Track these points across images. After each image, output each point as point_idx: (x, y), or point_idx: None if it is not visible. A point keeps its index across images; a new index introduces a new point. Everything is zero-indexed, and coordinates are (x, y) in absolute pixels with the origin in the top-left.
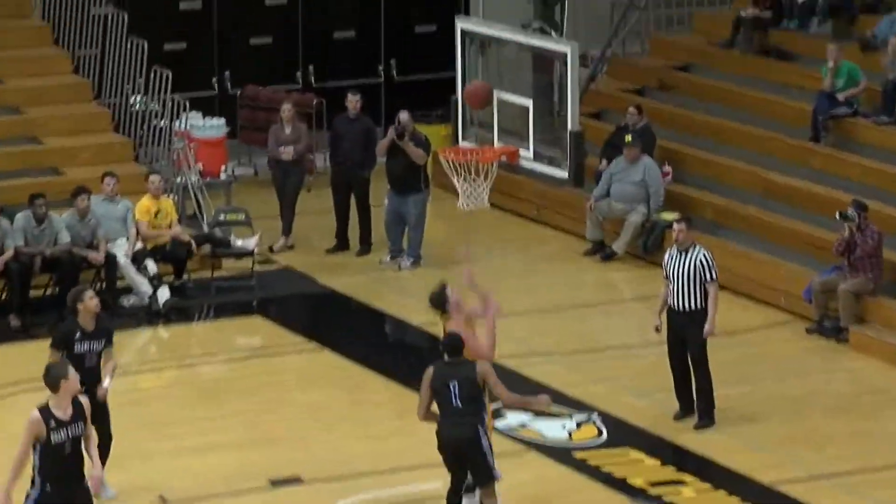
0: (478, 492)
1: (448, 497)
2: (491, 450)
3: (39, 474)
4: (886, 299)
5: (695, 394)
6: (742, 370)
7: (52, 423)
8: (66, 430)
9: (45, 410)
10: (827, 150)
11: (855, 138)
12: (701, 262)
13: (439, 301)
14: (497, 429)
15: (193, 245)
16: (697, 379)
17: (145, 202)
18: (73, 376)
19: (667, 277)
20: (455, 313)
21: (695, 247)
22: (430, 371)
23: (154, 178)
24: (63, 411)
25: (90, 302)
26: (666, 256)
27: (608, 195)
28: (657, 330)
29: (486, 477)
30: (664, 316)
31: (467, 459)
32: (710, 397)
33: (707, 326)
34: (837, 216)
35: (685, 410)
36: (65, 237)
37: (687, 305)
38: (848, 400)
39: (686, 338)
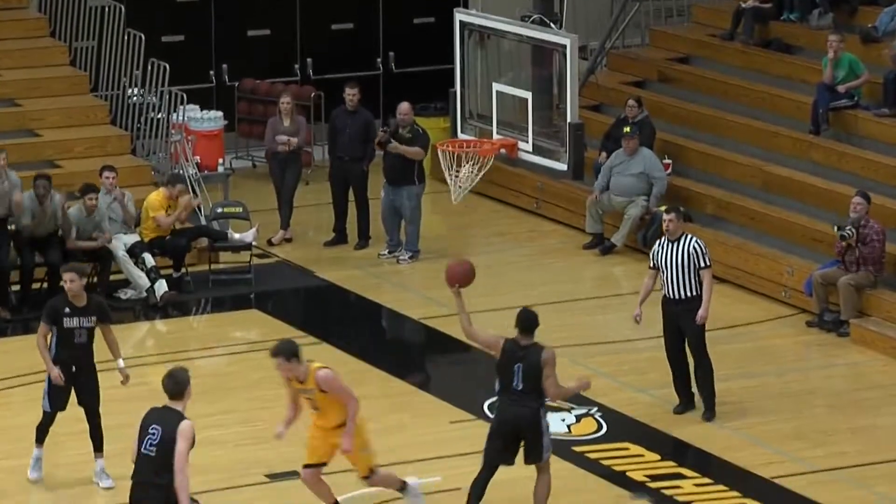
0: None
1: (475, 485)
2: (548, 430)
3: None
4: (888, 293)
5: (696, 384)
6: (742, 364)
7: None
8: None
9: None
10: (827, 143)
11: (855, 131)
12: (694, 249)
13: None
14: None
15: (199, 208)
16: (697, 368)
17: (158, 198)
18: None
19: (655, 267)
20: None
21: (686, 235)
22: (502, 342)
23: (181, 187)
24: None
25: (69, 284)
26: (655, 246)
27: (607, 188)
28: (637, 320)
29: (538, 456)
30: (658, 306)
31: (524, 437)
32: (712, 387)
33: (701, 312)
34: (835, 230)
35: (685, 404)
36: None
37: (682, 293)
38: (849, 394)
39: (683, 327)
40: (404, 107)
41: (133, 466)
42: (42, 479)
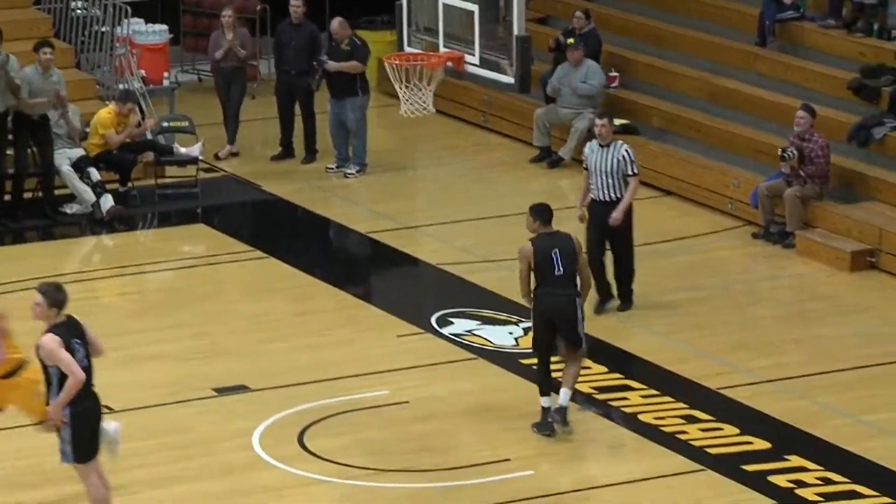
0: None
1: (541, 380)
2: (584, 319)
3: None
4: (833, 204)
5: (616, 280)
6: (688, 276)
7: None
8: None
9: None
10: (773, 55)
11: (801, 42)
12: (623, 157)
13: None
14: (444, 335)
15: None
16: (618, 266)
17: (108, 115)
18: None
19: (587, 169)
20: None
21: (616, 142)
22: (528, 248)
23: (132, 105)
24: None
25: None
26: (586, 149)
27: (554, 101)
28: (581, 220)
29: (576, 345)
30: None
31: (562, 328)
32: (630, 285)
33: (615, 214)
34: (779, 153)
35: (603, 300)
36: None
37: (610, 196)
38: (794, 306)
39: (610, 228)
40: (334, 25)
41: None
42: None
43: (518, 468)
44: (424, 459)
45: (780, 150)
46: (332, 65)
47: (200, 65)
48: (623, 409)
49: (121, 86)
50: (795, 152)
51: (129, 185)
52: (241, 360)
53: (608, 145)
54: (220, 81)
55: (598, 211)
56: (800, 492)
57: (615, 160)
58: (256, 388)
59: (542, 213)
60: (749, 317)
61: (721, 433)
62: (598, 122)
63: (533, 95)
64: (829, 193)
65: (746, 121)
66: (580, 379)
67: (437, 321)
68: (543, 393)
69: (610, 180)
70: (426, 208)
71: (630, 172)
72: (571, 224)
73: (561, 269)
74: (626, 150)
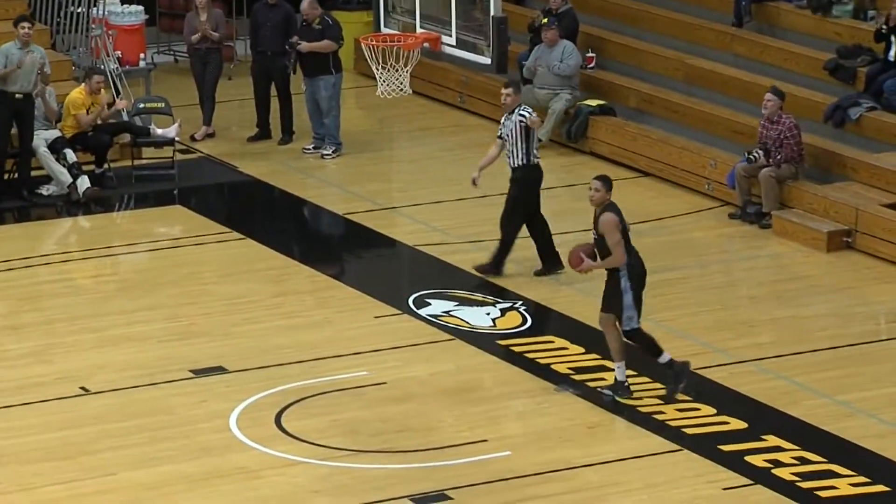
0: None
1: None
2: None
3: None
4: (809, 184)
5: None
6: (666, 257)
7: None
8: None
9: None
10: (750, 35)
11: (777, 23)
12: (520, 116)
13: None
14: (422, 316)
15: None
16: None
17: (79, 96)
18: None
19: (501, 138)
20: None
21: (519, 107)
22: (614, 216)
23: (99, 78)
24: None
25: None
26: (502, 119)
27: (531, 83)
28: (474, 183)
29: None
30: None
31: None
32: (509, 249)
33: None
34: (745, 155)
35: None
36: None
37: (512, 162)
38: (770, 286)
39: (512, 194)
40: (304, 5)
41: None
42: None
43: (495, 449)
44: (402, 440)
45: (745, 152)
46: (304, 45)
47: (176, 46)
48: (600, 389)
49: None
50: (760, 153)
51: (106, 166)
52: (218, 341)
53: (512, 112)
54: (196, 63)
55: (511, 177)
56: (776, 471)
57: (516, 124)
58: (233, 370)
59: (611, 182)
60: (726, 297)
61: (698, 413)
62: (502, 90)
63: (509, 76)
64: (806, 174)
65: (723, 101)
66: (558, 358)
67: (415, 302)
68: (661, 351)
69: (514, 146)
70: (403, 189)
71: (525, 120)
72: (545, 205)
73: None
74: (523, 111)
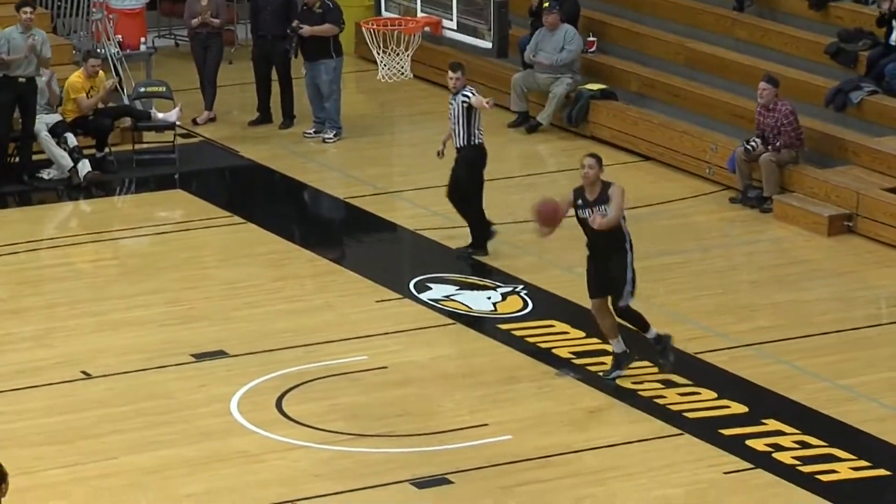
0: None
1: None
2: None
3: None
4: (809, 168)
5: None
6: (666, 241)
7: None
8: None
9: None
10: (751, 20)
11: (778, 7)
12: (463, 97)
13: None
14: (422, 300)
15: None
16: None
17: (78, 80)
18: None
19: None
20: None
21: (465, 88)
22: (622, 188)
23: (94, 61)
24: None
25: None
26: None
27: (532, 67)
28: (438, 154)
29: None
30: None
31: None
32: (482, 227)
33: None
34: (742, 145)
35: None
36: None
37: (459, 142)
38: (771, 270)
39: (456, 173)
40: None
41: None
42: None
43: (496, 433)
44: (403, 424)
45: (742, 142)
46: (306, 29)
47: (177, 30)
48: (601, 373)
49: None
50: (758, 141)
51: (107, 150)
52: (219, 325)
53: (456, 94)
54: (197, 47)
55: (456, 157)
56: (777, 455)
57: (459, 105)
58: (234, 354)
59: (602, 159)
60: (727, 281)
61: (699, 397)
62: (449, 73)
63: (511, 60)
64: (806, 158)
65: (724, 86)
66: (558, 342)
67: (416, 286)
68: (649, 326)
69: (458, 126)
70: (404, 173)
71: (467, 99)
72: (547, 189)
73: None
74: (467, 92)
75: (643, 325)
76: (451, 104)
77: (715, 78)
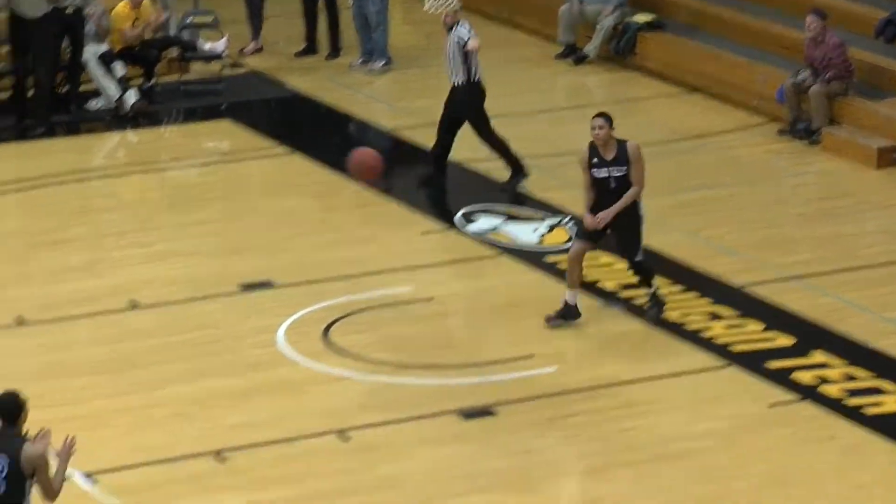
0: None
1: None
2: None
3: None
4: (859, 100)
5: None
6: (714, 173)
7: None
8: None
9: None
10: None
11: None
12: (458, 35)
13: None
14: (468, 232)
15: (167, 19)
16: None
17: (123, 10)
18: None
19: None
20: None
21: (457, 24)
22: (638, 146)
23: None
24: None
25: None
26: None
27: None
28: None
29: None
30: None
31: None
32: (508, 153)
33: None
34: (793, 76)
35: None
36: None
37: (453, 81)
38: (819, 202)
39: (457, 112)
40: None
41: None
42: None
43: (541, 364)
44: (448, 356)
45: (792, 73)
46: None
47: None
48: (647, 305)
49: None
50: (807, 73)
51: (154, 80)
52: (266, 256)
53: (451, 28)
54: None
55: (448, 96)
56: (823, 388)
57: (454, 42)
58: (281, 285)
59: (612, 118)
60: (774, 214)
61: (745, 330)
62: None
63: None
64: (856, 89)
65: (774, 16)
66: (605, 274)
67: (462, 218)
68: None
69: (451, 63)
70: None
71: (465, 41)
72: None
73: None
74: (462, 27)
75: (650, 277)
76: (446, 39)
77: (765, 8)
